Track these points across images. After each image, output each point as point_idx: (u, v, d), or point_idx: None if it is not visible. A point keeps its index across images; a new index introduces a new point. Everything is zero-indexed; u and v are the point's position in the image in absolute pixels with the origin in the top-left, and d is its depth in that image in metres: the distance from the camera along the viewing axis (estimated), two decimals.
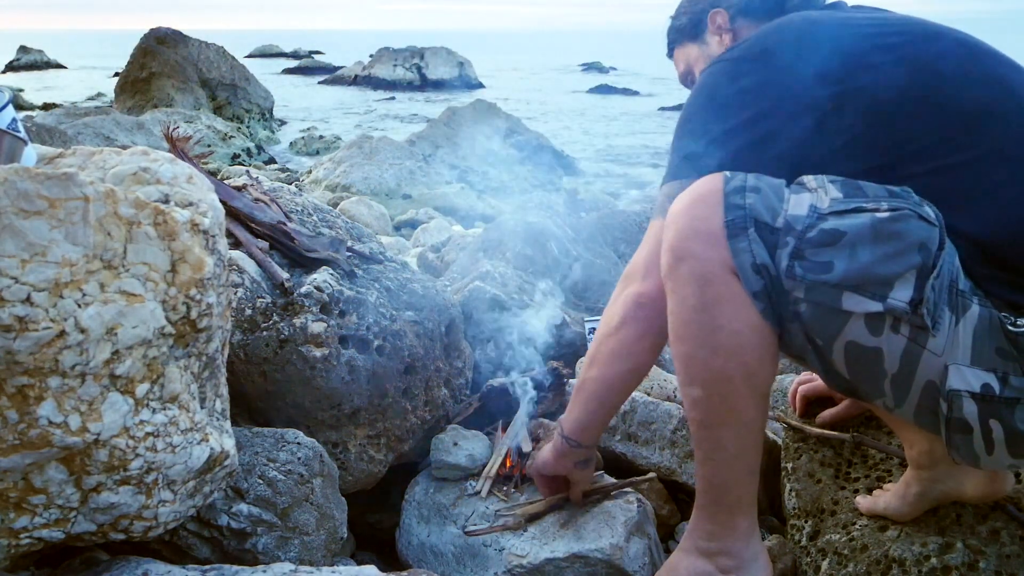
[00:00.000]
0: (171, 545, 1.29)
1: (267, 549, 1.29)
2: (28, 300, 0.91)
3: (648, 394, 1.95)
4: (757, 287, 1.10)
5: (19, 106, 16.45)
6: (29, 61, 34.78)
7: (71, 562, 1.17)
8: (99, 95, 21.11)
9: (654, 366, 2.12)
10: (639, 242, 1.35)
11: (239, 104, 14.81)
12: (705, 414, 1.19)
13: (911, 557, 1.28)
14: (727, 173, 1.15)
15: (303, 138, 13.86)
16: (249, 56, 40.77)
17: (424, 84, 24.97)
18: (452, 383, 1.86)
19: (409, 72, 25.54)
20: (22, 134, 1.17)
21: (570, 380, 1.91)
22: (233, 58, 15.49)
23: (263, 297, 1.57)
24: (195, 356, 1.13)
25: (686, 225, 1.13)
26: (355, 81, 27.22)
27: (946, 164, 1.13)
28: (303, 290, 1.60)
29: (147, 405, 1.05)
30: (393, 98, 23.09)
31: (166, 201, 1.11)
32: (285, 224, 1.76)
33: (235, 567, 1.16)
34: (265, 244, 1.69)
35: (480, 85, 25.27)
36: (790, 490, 1.56)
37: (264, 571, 1.15)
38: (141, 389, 1.04)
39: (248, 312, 1.53)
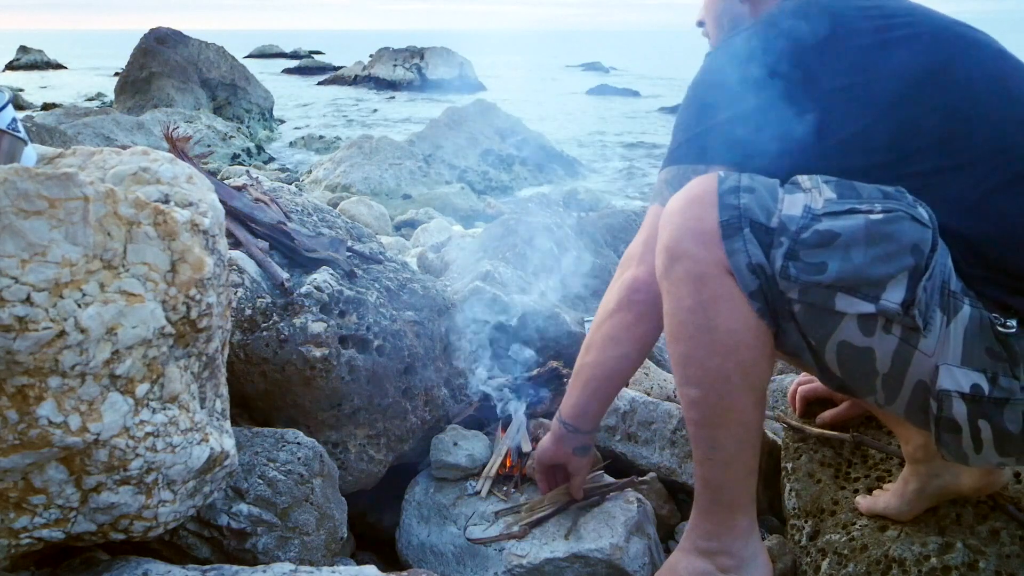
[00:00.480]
0: (171, 545, 1.29)
1: (267, 549, 1.29)
2: (28, 300, 0.91)
3: (648, 394, 1.95)
4: (753, 287, 1.10)
5: (19, 106, 16.45)
6: (29, 61, 34.77)
7: (71, 562, 1.17)
8: (99, 95, 21.10)
9: (654, 366, 2.12)
10: None
11: (239, 104, 14.82)
12: (703, 414, 1.19)
13: (911, 557, 1.28)
14: (721, 173, 1.15)
15: (303, 138, 13.86)
16: (249, 56, 40.76)
17: (424, 84, 24.96)
18: (452, 383, 1.86)
19: (409, 72, 25.54)
20: (22, 134, 1.17)
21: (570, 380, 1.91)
22: (233, 58, 15.50)
23: (263, 297, 1.57)
24: (195, 356, 1.13)
25: (681, 225, 1.14)
26: (355, 81, 27.22)
27: (948, 164, 1.13)
28: (303, 290, 1.60)
29: (147, 405, 1.05)
30: (393, 98, 23.09)
31: (166, 201, 1.11)
32: (285, 224, 1.76)
33: (235, 567, 1.16)
34: (265, 244, 1.69)
35: (480, 85, 25.26)
36: (790, 490, 1.56)
37: (264, 571, 1.15)
38: (141, 389, 1.04)
39: (248, 312, 1.53)
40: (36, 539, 1.02)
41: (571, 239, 2.70)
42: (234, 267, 1.56)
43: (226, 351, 1.27)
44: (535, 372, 1.93)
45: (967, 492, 1.32)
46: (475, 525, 1.56)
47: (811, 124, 1.17)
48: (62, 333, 0.93)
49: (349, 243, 1.87)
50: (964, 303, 1.08)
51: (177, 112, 11.89)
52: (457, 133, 10.20)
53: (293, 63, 38.94)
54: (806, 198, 1.10)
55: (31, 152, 1.20)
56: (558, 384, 1.89)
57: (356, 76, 27.51)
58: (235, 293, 1.53)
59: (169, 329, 1.06)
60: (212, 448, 1.14)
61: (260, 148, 12.42)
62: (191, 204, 1.12)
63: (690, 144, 1.24)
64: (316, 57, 43.98)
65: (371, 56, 28.06)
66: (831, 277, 1.06)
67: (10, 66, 34.45)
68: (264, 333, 1.53)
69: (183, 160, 1.38)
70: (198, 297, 1.08)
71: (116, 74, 18.54)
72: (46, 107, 16.39)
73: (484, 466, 1.68)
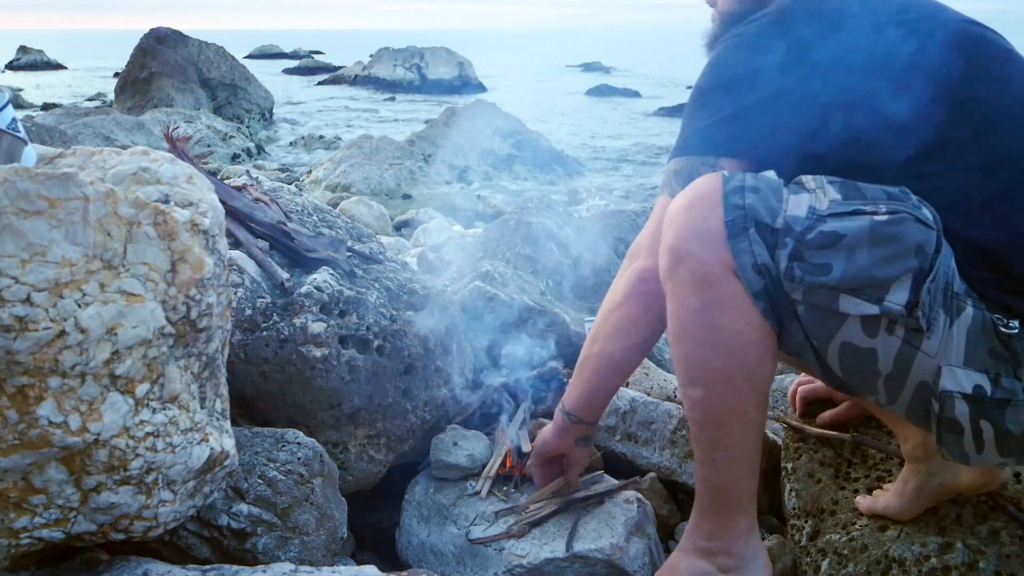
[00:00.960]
0: (171, 545, 1.29)
1: (267, 549, 1.29)
2: (28, 300, 0.91)
3: (648, 394, 1.95)
4: (758, 287, 1.10)
5: (19, 106, 16.45)
6: (29, 61, 34.77)
7: (71, 562, 1.17)
8: (99, 95, 21.10)
9: (654, 366, 2.12)
10: None
11: (239, 104, 14.82)
12: (705, 414, 1.19)
13: (911, 557, 1.28)
14: (725, 173, 1.15)
15: (303, 138, 13.86)
16: (249, 56, 40.74)
17: (424, 84, 24.96)
18: (452, 383, 1.86)
19: (409, 72, 25.54)
20: (22, 134, 1.17)
21: (569, 380, 1.91)
22: (233, 58, 15.50)
23: (263, 297, 1.57)
24: (195, 356, 1.13)
25: (685, 226, 1.13)
26: (355, 81, 27.21)
27: (962, 165, 1.13)
28: (303, 290, 1.60)
29: (147, 405, 1.05)
30: (393, 98, 23.08)
31: (166, 201, 1.11)
32: (285, 224, 1.76)
33: (235, 567, 1.16)
34: (265, 244, 1.69)
35: (480, 85, 25.26)
36: (790, 490, 1.56)
37: (264, 571, 1.15)
38: (141, 389, 1.04)
39: (248, 312, 1.53)
40: (36, 539, 1.02)
41: (571, 239, 2.70)
42: (234, 267, 1.56)
43: (226, 351, 1.27)
44: (535, 372, 1.93)
45: (966, 490, 1.32)
46: (475, 525, 1.56)
47: (823, 118, 1.15)
48: (62, 333, 0.93)
49: (349, 243, 1.87)
50: (967, 304, 1.08)
51: (177, 112, 11.89)
52: (457, 133, 10.21)
53: (293, 63, 38.92)
54: (811, 199, 1.10)
55: (31, 152, 1.20)
56: (558, 384, 1.89)
57: (356, 76, 27.51)
58: (235, 293, 1.53)
59: (169, 329, 1.06)
60: (212, 448, 1.14)
61: (260, 148, 12.43)
62: (191, 204, 1.12)
63: (699, 135, 1.22)
64: (316, 57, 43.98)
65: (371, 56, 28.05)
66: (836, 278, 1.06)
67: (10, 66, 34.44)
68: (264, 333, 1.53)
69: (183, 160, 1.38)
70: (198, 297, 1.08)
71: (116, 74, 18.53)
72: (46, 107, 16.40)
73: (484, 466, 1.68)
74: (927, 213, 1.08)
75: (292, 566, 1.17)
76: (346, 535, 1.49)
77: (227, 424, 1.24)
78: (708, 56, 1.30)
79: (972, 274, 1.10)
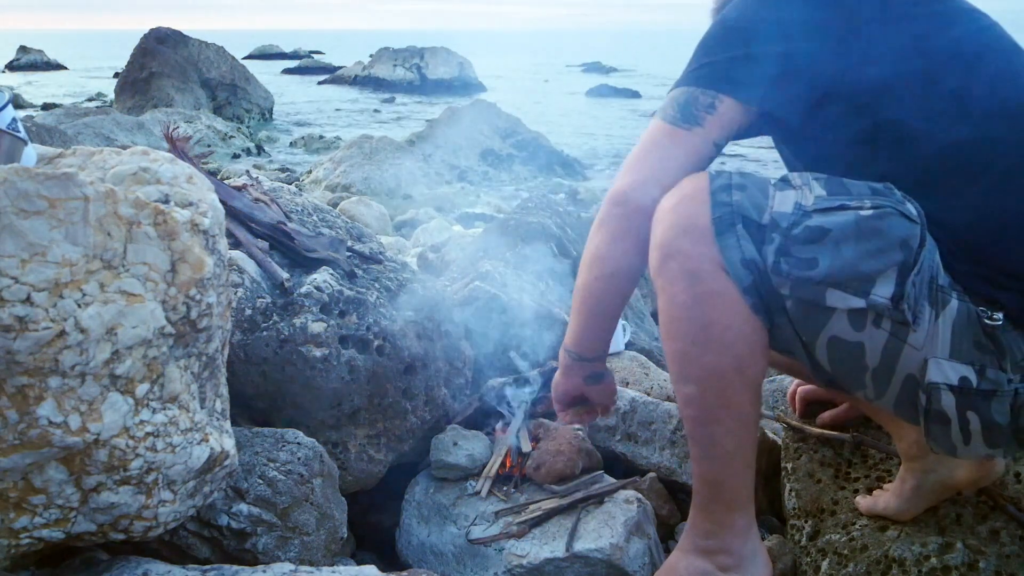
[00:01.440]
0: (171, 545, 1.29)
1: (267, 549, 1.29)
2: (28, 300, 0.91)
3: (648, 394, 1.95)
4: (747, 282, 1.11)
5: (19, 106, 16.46)
6: (29, 61, 34.78)
7: (71, 562, 1.17)
8: (99, 95, 21.10)
9: (654, 366, 2.12)
10: None
11: (239, 104, 14.83)
12: (699, 410, 1.19)
13: (911, 557, 1.28)
14: (712, 171, 1.16)
15: (303, 138, 13.86)
16: (249, 56, 40.73)
17: (424, 84, 24.96)
18: (452, 383, 1.86)
19: (409, 72, 25.54)
20: (22, 134, 1.17)
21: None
22: (233, 58, 15.51)
23: (263, 297, 1.57)
24: (195, 356, 1.13)
25: (674, 223, 1.14)
26: (355, 81, 27.21)
27: (949, 144, 1.13)
28: (303, 290, 1.60)
29: (147, 405, 1.05)
30: (393, 98, 23.08)
31: (166, 201, 1.11)
32: (285, 224, 1.76)
33: (235, 567, 1.16)
34: (265, 244, 1.69)
35: (480, 85, 25.26)
36: (790, 490, 1.56)
37: (264, 571, 1.15)
38: (141, 389, 1.04)
39: (248, 312, 1.53)
40: (36, 539, 1.02)
41: (571, 239, 2.70)
42: (234, 267, 1.56)
43: (226, 351, 1.27)
44: (535, 372, 1.93)
45: (964, 485, 1.32)
46: (475, 525, 1.56)
47: (840, 76, 1.15)
48: (62, 333, 0.93)
49: (349, 243, 1.87)
50: (952, 297, 1.10)
51: (177, 112, 11.90)
52: (457, 133, 10.21)
53: (293, 63, 38.92)
54: (796, 195, 1.11)
55: (31, 152, 1.20)
56: None
57: (356, 76, 27.51)
58: (235, 293, 1.53)
59: (169, 329, 1.06)
60: (212, 448, 1.14)
61: (260, 148, 12.43)
62: (191, 204, 1.12)
63: (706, 69, 1.21)
64: (316, 57, 43.97)
65: (371, 56, 28.05)
66: (822, 273, 1.07)
67: (10, 66, 34.45)
68: (264, 333, 1.53)
69: (183, 160, 1.38)
70: (198, 297, 1.08)
71: (116, 74, 18.54)
72: (46, 107, 16.40)
73: (484, 466, 1.68)
74: (911, 208, 1.09)
75: (292, 566, 1.17)
76: (346, 535, 1.49)
77: (227, 424, 1.25)
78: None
79: (957, 268, 1.11)
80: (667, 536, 1.68)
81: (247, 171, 2.24)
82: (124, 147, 1.24)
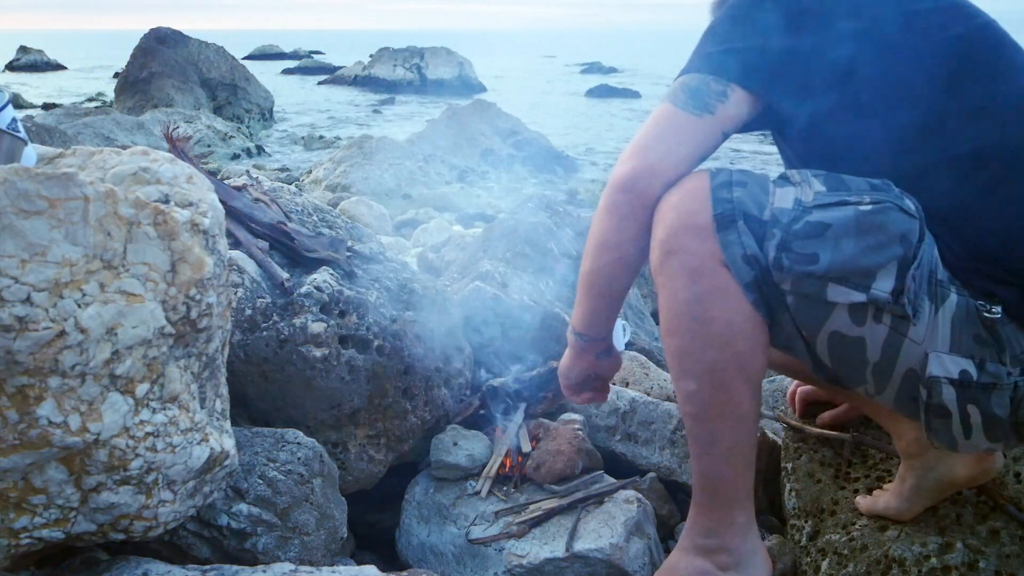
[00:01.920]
0: (171, 545, 1.29)
1: (267, 549, 1.29)
2: (28, 300, 0.91)
3: (648, 394, 1.96)
4: (748, 278, 1.11)
5: (19, 106, 16.46)
6: (29, 61, 34.74)
7: (71, 562, 1.17)
8: (99, 95, 21.10)
9: (654, 366, 2.12)
10: None
11: (239, 104, 14.82)
12: (699, 407, 1.19)
13: (911, 557, 1.28)
14: (712, 169, 1.16)
15: (303, 138, 13.86)
16: (249, 56, 40.70)
17: (424, 84, 24.95)
18: (452, 383, 1.86)
19: (409, 72, 25.53)
20: (22, 134, 1.17)
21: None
22: (233, 58, 15.49)
23: (263, 297, 1.57)
24: (195, 356, 1.13)
25: (675, 220, 1.14)
26: (355, 81, 27.20)
27: (952, 153, 1.13)
28: (303, 290, 1.60)
29: (147, 405, 1.05)
30: (393, 98, 23.07)
31: (166, 201, 1.11)
32: (285, 224, 1.76)
33: (235, 567, 1.16)
34: (265, 244, 1.69)
35: (480, 85, 25.24)
36: (790, 490, 1.56)
37: (264, 571, 1.15)
38: (141, 389, 1.04)
39: (248, 312, 1.53)
40: (36, 539, 1.02)
41: (571, 239, 2.70)
42: (234, 267, 1.56)
43: (226, 351, 1.27)
44: (535, 372, 1.93)
45: (963, 482, 1.32)
46: (475, 525, 1.56)
47: (848, 73, 1.15)
48: (62, 333, 0.93)
49: (349, 243, 1.87)
50: (951, 291, 1.11)
51: (177, 112, 11.89)
52: (457, 133, 10.20)
53: (293, 63, 38.90)
54: (796, 191, 1.12)
55: (31, 152, 1.20)
56: (558, 384, 1.89)
57: (356, 76, 27.50)
58: (235, 293, 1.53)
59: (169, 329, 1.06)
60: (212, 448, 1.14)
61: (260, 148, 12.42)
62: (191, 204, 1.12)
63: (718, 56, 1.19)
64: (316, 57, 43.95)
65: (371, 56, 28.04)
66: (823, 267, 1.07)
67: (10, 66, 34.42)
68: (264, 333, 1.53)
69: (183, 160, 1.38)
70: (198, 297, 1.08)
71: (116, 74, 18.54)
72: (46, 107, 16.40)
73: (484, 466, 1.68)
74: (910, 203, 1.10)
75: (292, 566, 1.17)
76: (346, 535, 1.49)
77: (227, 424, 1.25)
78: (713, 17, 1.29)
79: (956, 263, 1.12)
80: (667, 536, 1.68)
81: (247, 171, 2.24)
82: (124, 147, 1.24)
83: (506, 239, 2.62)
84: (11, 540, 1.00)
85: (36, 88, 24.58)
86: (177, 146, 1.76)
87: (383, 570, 1.21)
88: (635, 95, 25.07)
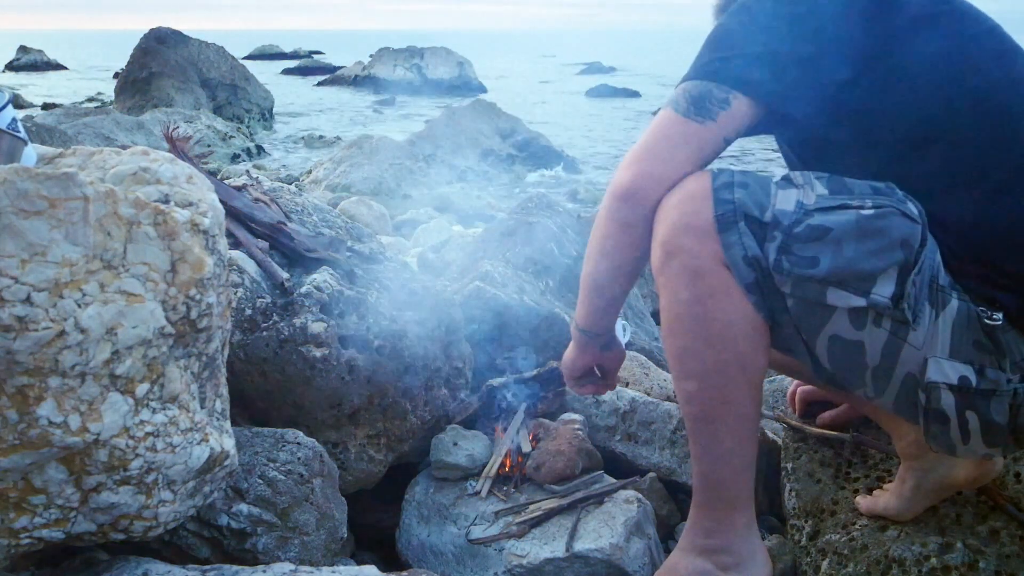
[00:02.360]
0: (171, 545, 1.29)
1: (267, 549, 1.29)
2: (28, 300, 0.91)
3: (648, 394, 1.96)
4: (749, 279, 1.11)
5: (19, 106, 16.45)
6: (29, 61, 34.73)
7: (71, 562, 1.17)
8: (99, 95, 21.09)
9: (654, 366, 2.12)
10: None
11: (239, 104, 14.82)
12: (700, 408, 1.19)
13: (911, 557, 1.28)
14: (714, 170, 1.16)
15: (303, 138, 13.86)
16: (249, 56, 40.67)
17: (424, 84, 24.93)
18: (452, 383, 1.86)
19: (409, 72, 25.52)
20: (22, 134, 1.17)
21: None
22: (233, 58, 15.49)
23: (263, 297, 1.57)
24: (195, 356, 1.13)
25: (676, 220, 1.14)
26: (355, 81, 27.19)
27: (958, 146, 1.13)
28: (303, 290, 1.60)
29: (147, 405, 1.05)
30: (393, 98, 23.06)
31: (166, 201, 1.11)
32: (285, 224, 1.76)
33: (235, 567, 1.16)
34: (265, 244, 1.69)
35: (480, 85, 25.24)
36: (790, 490, 1.56)
37: (264, 571, 1.15)
38: (141, 389, 1.04)
39: (248, 312, 1.53)
40: (36, 539, 1.02)
41: (571, 239, 2.70)
42: (234, 267, 1.56)
43: (226, 351, 1.27)
44: (535, 372, 1.93)
45: (963, 484, 1.33)
46: (475, 525, 1.56)
47: (850, 80, 1.14)
48: (62, 333, 0.93)
49: (349, 243, 1.87)
50: (952, 297, 1.11)
51: (177, 112, 11.89)
52: (457, 133, 10.20)
53: (293, 63, 38.88)
54: (798, 194, 1.11)
55: (31, 152, 1.20)
56: (558, 384, 1.89)
57: (356, 76, 27.49)
58: (235, 293, 1.53)
59: (169, 329, 1.06)
60: (212, 448, 1.14)
61: (260, 148, 12.42)
62: (191, 204, 1.12)
63: (722, 64, 1.18)
64: (316, 57, 43.93)
65: (371, 56, 28.02)
66: (823, 271, 1.07)
67: (10, 66, 34.41)
68: (264, 333, 1.53)
69: (183, 160, 1.38)
70: (198, 297, 1.08)
71: (116, 74, 18.54)
72: (46, 107, 16.39)
73: (484, 466, 1.68)
74: (912, 208, 1.09)
75: (292, 566, 1.17)
76: (346, 535, 1.49)
77: (227, 424, 1.25)
78: (716, 22, 1.27)
79: (958, 268, 1.12)
80: (667, 536, 1.68)
81: (247, 171, 2.24)
82: (124, 147, 1.24)
83: (506, 239, 2.62)
84: (11, 540, 1.00)
85: (36, 88, 24.57)
86: (177, 146, 1.76)
87: (383, 570, 1.21)
88: (635, 95, 25.05)
